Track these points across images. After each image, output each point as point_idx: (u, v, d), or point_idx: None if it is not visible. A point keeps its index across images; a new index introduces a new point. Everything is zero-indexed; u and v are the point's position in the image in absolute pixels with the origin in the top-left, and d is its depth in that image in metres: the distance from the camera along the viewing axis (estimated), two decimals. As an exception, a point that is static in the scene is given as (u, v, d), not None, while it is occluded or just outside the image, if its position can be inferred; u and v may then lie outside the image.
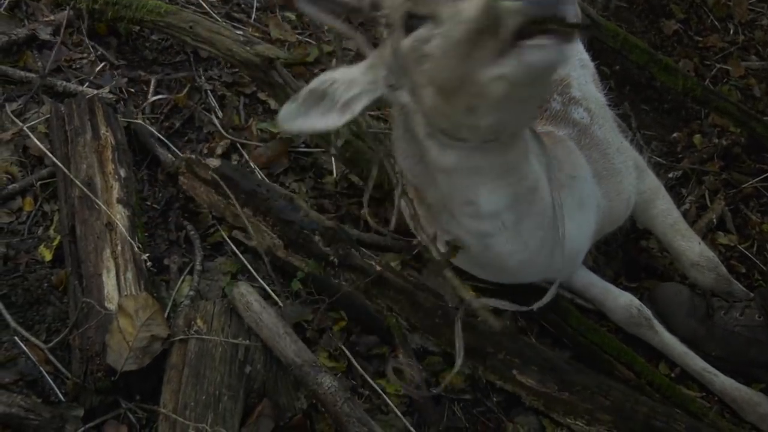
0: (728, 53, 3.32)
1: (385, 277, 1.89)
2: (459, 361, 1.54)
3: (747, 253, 2.40)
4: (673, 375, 2.00)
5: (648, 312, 1.99)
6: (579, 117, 1.96)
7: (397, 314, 1.90)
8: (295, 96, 1.44)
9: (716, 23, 3.47)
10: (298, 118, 1.43)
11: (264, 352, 1.69)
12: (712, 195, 2.58)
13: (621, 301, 2.00)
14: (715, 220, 2.47)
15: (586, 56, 2.34)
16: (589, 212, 1.82)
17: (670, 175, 2.60)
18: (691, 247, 2.10)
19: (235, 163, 2.25)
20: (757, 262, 2.37)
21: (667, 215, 2.14)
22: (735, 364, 2.04)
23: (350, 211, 2.22)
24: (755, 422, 1.91)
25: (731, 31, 3.46)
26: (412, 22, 1.29)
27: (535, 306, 1.64)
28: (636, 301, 2.00)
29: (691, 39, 3.36)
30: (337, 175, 2.30)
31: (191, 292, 1.86)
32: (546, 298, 1.64)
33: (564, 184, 1.65)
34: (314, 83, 1.44)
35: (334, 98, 1.42)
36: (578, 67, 2.17)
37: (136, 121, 2.22)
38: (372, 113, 2.46)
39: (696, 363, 1.96)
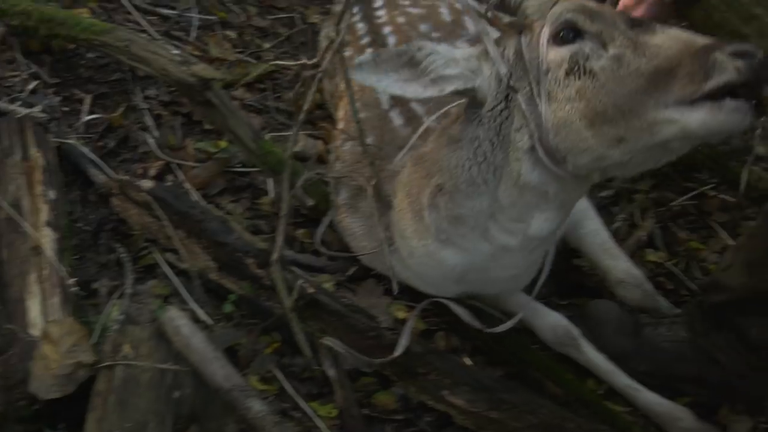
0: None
1: (319, 299, 1.90)
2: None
3: (674, 270, 2.46)
4: (600, 391, 2.05)
5: (575, 331, 2.03)
6: None
7: (329, 336, 1.91)
8: (379, 51, 1.42)
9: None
10: (376, 73, 1.40)
11: (193, 376, 1.68)
12: (642, 213, 2.64)
13: (548, 320, 2.04)
14: (644, 238, 2.53)
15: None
16: None
17: (602, 194, 2.66)
18: (617, 265, 2.16)
19: (170, 183, 2.24)
20: (685, 278, 2.44)
21: (595, 235, 2.19)
22: (662, 379, 2.09)
23: (286, 232, 2.22)
24: (678, 436, 1.97)
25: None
26: (567, 33, 1.33)
27: (500, 328, 1.76)
28: (563, 321, 2.04)
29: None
30: (273, 195, 2.31)
31: (121, 317, 1.84)
32: (511, 322, 1.77)
33: None
34: (407, 45, 1.42)
35: (427, 69, 1.42)
36: None
37: (68, 140, 2.19)
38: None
39: (621, 380, 2.01)
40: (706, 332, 2.01)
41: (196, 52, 2.76)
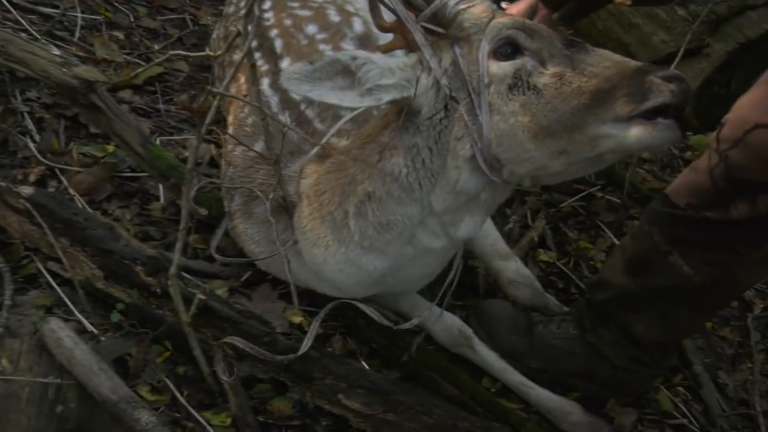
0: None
1: (211, 306, 1.86)
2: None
3: (564, 269, 2.55)
4: (494, 390, 2.09)
5: (469, 332, 2.07)
6: None
7: (224, 343, 1.87)
8: (312, 60, 1.40)
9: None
10: (308, 83, 1.39)
11: (78, 390, 1.62)
12: (534, 214, 2.72)
13: (443, 322, 2.07)
14: (536, 239, 2.60)
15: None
16: None
17: (496, 196, 2.72)
18: (508, 265, 2.22)
19: (53, 189, 2.14)
20: (574, 277, 2.52)
21: (486, 236, 2.24)
22: (554, 375, 2.16)
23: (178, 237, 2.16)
24: (568, 430, 2.03)
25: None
26: (506, 49, 1.38)
27: (407, 325, 1.82)
28: (458, 322, 2.08)
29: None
30: (164, 200, 2.24)
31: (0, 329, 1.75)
32: (415, 321, 1.82)
33: None
34: (341, 55, 1.42)
35: (363, 79, 1.41)
36: None
37: (-60, 145, 2.07)
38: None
39: (514, 377, 2.06)
40: (594, 329, 2.09)
41: (81, 53, 2.66)
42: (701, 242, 1.84)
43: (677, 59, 2.28)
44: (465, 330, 2.06)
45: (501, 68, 1.38)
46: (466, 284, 2.40)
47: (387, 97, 1.43)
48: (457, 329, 2.05)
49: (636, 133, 1.30)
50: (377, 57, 1.45)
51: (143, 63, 2.75)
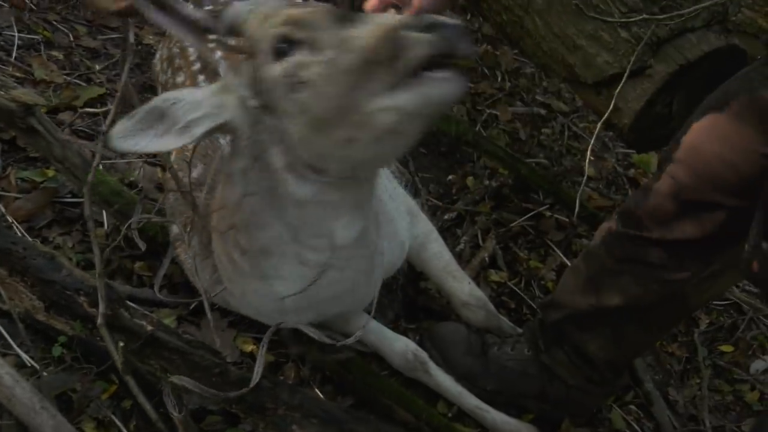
0: (497, 99, 3.55)
1: (158, 337, 1.80)
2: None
3: (516, 289, 2.55)
4: (450, 414, 2.07)
5: (423, 356, 2.05)
6: None
7: (172, 375, 1.81)
8: (132, 113, 1.32)
9: (486, 71, 3.71)
10: (132, 137, 1.31)
11: (18, 430, 1.54)
12: (485, 234, 2.72)
13: (396, 346, 2.05)
14: (487, 259, 2.61)
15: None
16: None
17: (446, 217, 2.72)
18: (461, 287, 2.21)
19: (-11, 217, 2.06)
20: (525, 297, 2.53)
21: (439, 258, 2.23)
22: (508, 397, 2.15)
23: (122, 265, 2.10)
24: (524, 453, 2.03)
25: (499, 78, 3.71)
26: (282, 47, 1.28)
27: (350, 341, 1.71)
28: (412, 346, 2.06)
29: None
30: (108, 227, 2.17)
31: (-68, 367, 1.66)
32: (358, 334, 1.71)
33: None
34: (155, 101, 1.34)
35: (175, 119, 1.34)
36: None
37: None
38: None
39: (469, 401, 2.04)
40: (548, 349, 2.09)
41: (19, 74, 2.57)
42: (652, 262, 1.87)
43: (623, 81, 2.32)
44: (420, 354, 2.04)
45: (275, 70, 1.30)
46: (419, 307, 2.39)
47: (200, 130, 1.36)
48: (412, 353, 2.03)
49: (408, 97, 1.17)
50: (186, 92, 1.40)
51: (84, 84, 2.68)
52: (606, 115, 2.28)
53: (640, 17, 2.35)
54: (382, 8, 1.58)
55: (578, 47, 2.57)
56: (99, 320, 1.60)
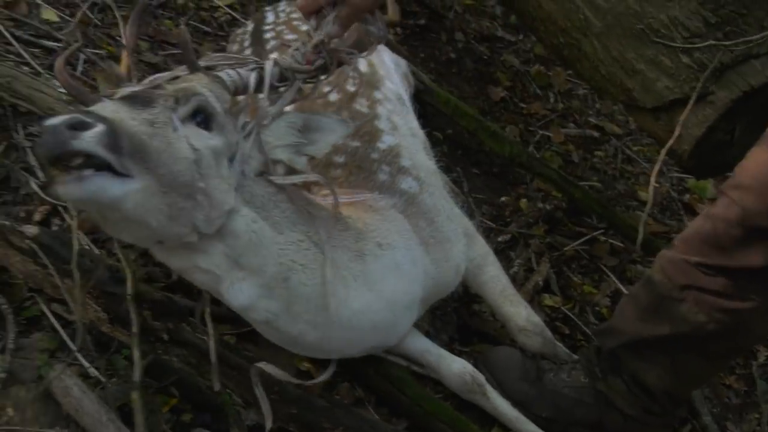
0: (549, 120, 3.54)
1: (220, 353, 1.81)
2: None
3: (570, 314, 2.53)
4: (504, 439, 2.06)
5: (481, 378, 2.04)
6: (407, 187, 1.99)
7: (231, 390, 1.83)
8: None
9: (539, 92, 3.71)
10: None
11: (84, 441, 1.57)
12: (538, 258, 2.71)
13: (454, 368, 2.04)
14: (541, 283, 2.59)
15: (416, 125, 2.39)
16: (408, 279, 1.83)
17: (500, 239, 2.71)
18: (518, 312, 2.19)
19: (57, 228, 2.09)
20: (579, 323, 2.51)
21: (496, 281, 2.22)
22: (564, 425, 2.12)
23: (183, 279, 2.12)
24: (580, 482, 2.00)
25: (552, 100, 3.70)
26: None
27: (319, 379, 1.70)
28: (469, 368, 2.04)
29: (517, 106, 3.57)
30: (168, 240, 2.20)
31: (2, 374, 1.68)
32: (325, 375, 1.69)
33: (365, 253, 1.70)
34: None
35: None
36: (408, 137, 2.22)
37: (-58, 182, 2.02)
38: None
39: (526, 427, 2.02)
40: (605, 377, 2.07)
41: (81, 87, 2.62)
42: (715, 289, 1.84)
43: (688, 108, 2.30)
44: (477, 376, 2.03)
45: None
46: (473, 330, 2.37)
47: None
48: (469, 375, 2.02)
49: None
50: None
51: (146, 98, 2.72)
52: (670, 142, 2.25)
53: (705, 43, 2.33)
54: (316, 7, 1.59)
55: (637, 71, 2.55)
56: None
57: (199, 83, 1.41)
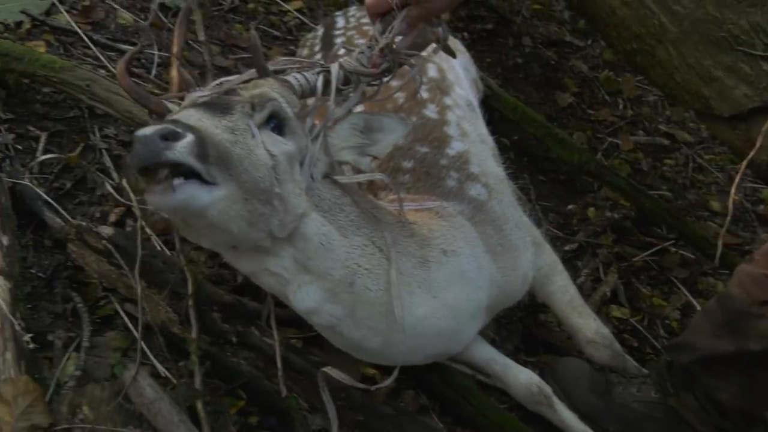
0: (618, 127, 3.47)
1: (286, 357, 1.83)
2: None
3: (638, 326, 2.47)
4: (571, 453, 2.02)
5: (548, 389, 2.00)
6: (476, 193, 1.97)
7: (298, 395, 1.84)
8: None
9: (607, 98, 3.64)
10: None
11: (156, 441, 1.59)
12: (606, 268, 2.66)
13: (521, 378, 2.01)
14: (608, 294, 2.54)
15: (485, 131, 2.37)
16: (474, 287, 1.80)
17: (567, 248, 2.67)
18: (587, 324, 2.15)
19: (130, 229, 2.14)
20: (648, 336, 2.45)
21: (564, 292, 2.18)
22: (632, 440, 2.08)
23: (250, 281, 2.14)
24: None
25: (620, 106, 3.63)
26: None
27: (383, 384, 1.61)
28: (536, 379, 2.01)
29: (585, 112, 3.51)
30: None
31: (77, 372, 1.73)
32: (389, 380, 1.59)
33: (429, 260, 1.67)
34: None
35: None
36: (478, 143, 2.20)
37: (22, 182, 2.08)
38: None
39: (594, 441, 1.99)
40: (677, 393, 2.02)
41: (157, 91, 2.67)
42: (796, 305, 1.77)
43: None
44: (545, 388, 2.00)
45: None
46: (539, 340, 2.34)
47: None
48: (536, 386, 1.99)
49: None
50: None
51: (216, 102, 2.76)
52: (752, 153, 2.17)
53: (789, 51, 2.25)
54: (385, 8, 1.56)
55: (715, 79, 2.47)
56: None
57: (271, 88, 1.42)
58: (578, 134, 3.30)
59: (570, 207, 2.93)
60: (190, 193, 1.20)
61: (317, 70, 1.53)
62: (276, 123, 1.40)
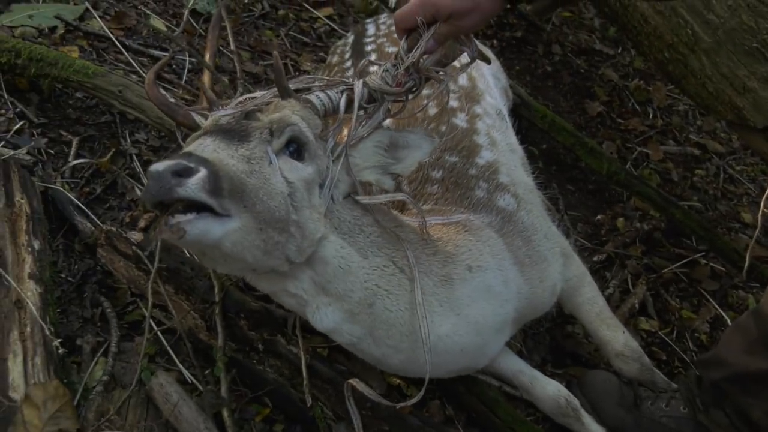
0: (648, 137, 3.43)
1: (313, 366, 1.83)
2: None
3: (667, 339, 2.44)
4: (598, 467, 1.99)
5: (576, 402, 1.98)
6: (504, 204, 1.95)
7: (323, 404, 1.84)
8: None
9: (637, 107, 3.60)
10: None
11: (182, 447, 1.60)
12: (635, 279, 2.62)
13: (549, 390, 1.99)
14: (637, 305, 2.51)
15: (514, 140, 2.34)
16: (500, 301, 1.77)
17: (595, 259, 2.64)
18: (615, 336, 2.11)
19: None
20: (677, 349, 2.41)
21: (593, 303, 2.15)
22: (659, 454, 2.05)
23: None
24: None
25: (651, 115, 3.59)
26: None
27: (399, 405, 1.57)
28: (564, 391, 1.99)
29: (614, 121, 3.47)
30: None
31: (104, 377, 1.74)
32: (415, 399, 1.56)
33: (453, 277, 1.65)
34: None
35: None
36: (507, 152, 2.17)
37: (54, 186, 2.11)
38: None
39: (621, 456, 1.96)
40: (707, 409, 1.98)
41: (187, 96, 2.69)
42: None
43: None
44: (572, 400, 1.97)
45: None
46: (566, 352, 2.32)
47: None
48: (564, 398, 1.97)
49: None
50: None
51: (245, 108, 2.78)
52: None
53: (824, 62, 2.21)
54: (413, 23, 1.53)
55: (749, 90, 2.44)
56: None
57: (291, 110, 1.42)
58: (607, 143, 3.27)
59: (599, 217, 2.90)
60: (202, 227, 1.20)
61: (341, 88, 1.52)
62: (295, 147, 1.40)
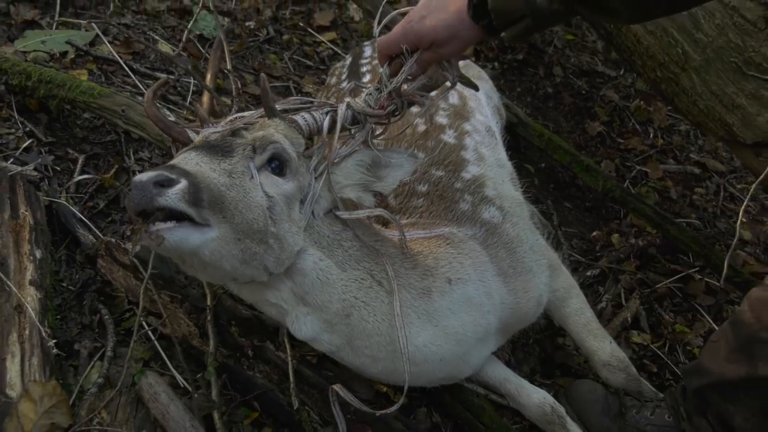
0: (648, 156, 3.48)
1: (301, 372, 1.88)
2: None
3: (659, 352, 2.46)
4: (582, 474, 2.02)
5: (561, 410, 2.02)
6: (489, 216, 2.00)
7: (310, 408, 1.89)
8: None
9: (638, 127, 3.65)
10: None
11: (169, 445, 1.66)
12: (628, 294, 2.66)
13: (535, 398, 2.02)
14: (629, 319, 2.54)
15: (503, 156, 2.40)
16: (481, 312, 1.81)
17: (588, 273, 2.68)
18: (602, 347, 2.15)
19: (158, 246, 2.23)
20: (669, 362, 2.43)
21: (579, 314, 2.19)
22: (644, 462, 2.07)
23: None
24: None
25: (651, 135, 3.63)
26: None
27: (379, 413, 1.59)
28: (550, 399, 2.03)
29: (614, 140, 3.52)
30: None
31: (100, 379, 1.82)
32: (395, 407, 1.59)
33: (431, 290, 1.70)
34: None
35: None
36: (495, 167, 2.23)
37: (58, 200, 2.20)
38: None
39: (605, 463, 1.99)
40: (690, 417, 2.01)
41: (191, 117, 2.79)
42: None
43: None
44: (558, 408, 2.01)
45: None
46: (556, 363, 2.35)
47: None
48: (549, 406, 2.01)
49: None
50: None
51: (247, 128, 2.87)
52: (760, 177, 2.17)
53: (808, 78, 2.25)
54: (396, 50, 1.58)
55: (738, 106, 2.49)
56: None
57: (275, 129, 1.49)
58: (606, 162, 3.32)
59: (594, 233, 2.94)
60: (180, 236, 1.26)
61: (326, 110, 1.59)
62: (277, 164, 1.46)
